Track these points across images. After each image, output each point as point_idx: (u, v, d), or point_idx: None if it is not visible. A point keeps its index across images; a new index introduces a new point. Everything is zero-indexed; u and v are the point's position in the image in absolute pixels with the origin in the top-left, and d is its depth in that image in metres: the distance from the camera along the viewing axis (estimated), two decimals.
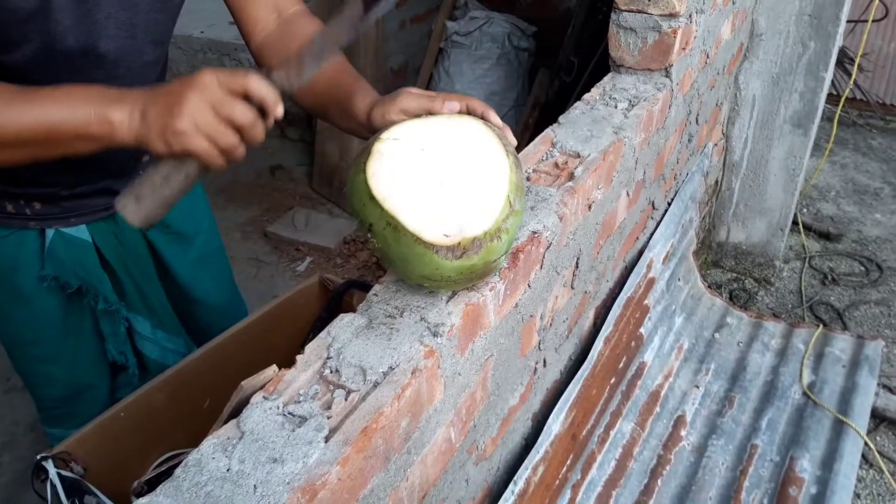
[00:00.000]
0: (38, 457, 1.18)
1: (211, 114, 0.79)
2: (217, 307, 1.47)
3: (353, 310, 0.85)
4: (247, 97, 0.81)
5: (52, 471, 1.18)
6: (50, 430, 1.40)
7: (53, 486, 1.18)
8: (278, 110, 0.83)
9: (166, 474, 1.18)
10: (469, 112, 0.87)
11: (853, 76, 2.66)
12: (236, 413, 0.73)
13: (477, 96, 3.49)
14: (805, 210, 2.96)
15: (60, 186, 1.15)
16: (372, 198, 0.74)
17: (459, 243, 0.74)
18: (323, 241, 3.01)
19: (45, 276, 1.19)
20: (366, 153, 0.77)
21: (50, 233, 1.17)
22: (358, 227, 0.80)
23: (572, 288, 1.19)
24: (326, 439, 0.68)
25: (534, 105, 3.31)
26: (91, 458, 1.26)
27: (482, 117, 0.86)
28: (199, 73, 0.81)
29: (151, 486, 1.17)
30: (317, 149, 3.52)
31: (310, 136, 3.80)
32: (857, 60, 2.62)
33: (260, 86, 0.81)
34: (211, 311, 1.46)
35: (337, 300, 1.60)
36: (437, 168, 0.77)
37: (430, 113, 0.86)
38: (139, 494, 1.14)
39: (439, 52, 3.67)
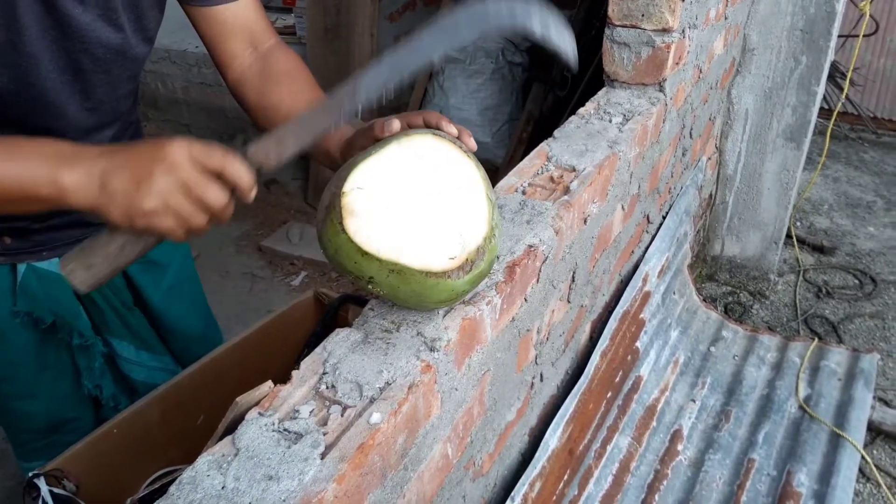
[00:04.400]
0: (30, 474, 1.17)
1: (181, 194, 0.74)
2: (191, 335, 1.45)
3: (348, 324, 0.85)
4: (220, 176, 0.77)
5: (44, 488, 1.16)
6: (26, 465, 1.35)
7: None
8: (250, 195, 0.79)
9: (160, 492, 1.17)
10: (426, 124, 0.86)
11: (845, 90, 2.68)
12: (231, 429, 0.73)
13: (471, 111, 3.51)
14: (798, 223, 2.98)
15: (31, 220, 1.10)
16: (364, 254, 0.73)
17: (467, 259, 0.75)
18: (318, 256, 3.01)
19: (18, 311, 1.15)
20: (335, 211, 0.74)
21: (21, 268, 1.13)
22: (351, 281, 0.79)
23: (569, 302, 1.19)
24: (322, 456, 0.68)
25: (528, 119, 3.32)
26: (83, 474, 1.24)
27: (437, 127, 0.85)
28: (170, 144, 0.75)
29: (144, 503, 1.16)
30: (312, 163, 3.52)
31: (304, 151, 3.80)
32: (850, 75, 2.64)
33: (237, 169, 0.77)
34: (185, 339, 1.44)
35: (332, 315, 1.59)
36: (413, 198, 0.76)
37: (375, 139, 0.85)
38: None
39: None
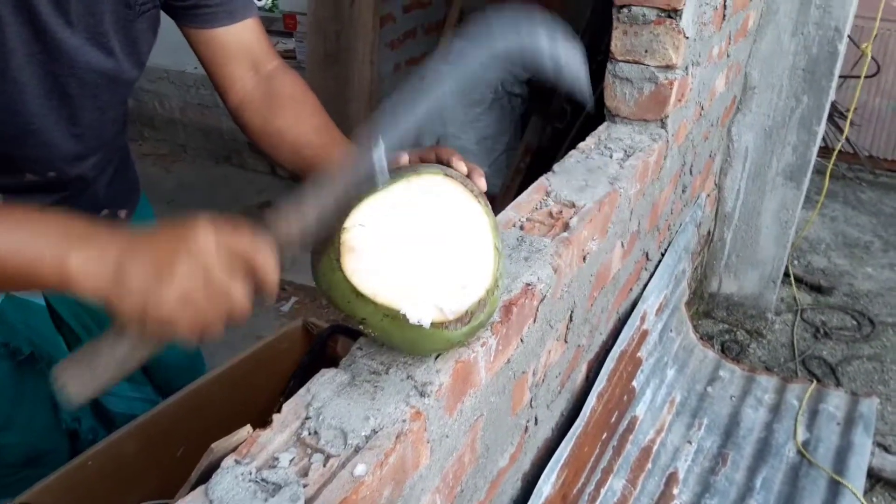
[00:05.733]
0: None
1: (203, 287, 0.64)
2: (172, 363, 1.40)
3: (337, 356, 0.81)
4: (247, 266, 0.67)
5: None
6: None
7: None
8: (272, 296, 0.70)
9: None
10: (438, 159, 0.83)
11: (846, 131, 2.68)
12: (206, 478, 0.68)
13: (469, 139, 3.49)
14: (796, 262, 2.95)
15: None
16: (359, 295, 0.69)
17: (467, 311, 0.72)
18: (308, 281, 2.95)
19: None
20: (333, 246, 0.70)
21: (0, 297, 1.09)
22: (343, 317, 0.76)
23: (566, 342, 1.15)
24: None
25: (526, 150, 3.31)
26: None
27: (449, 164, 0.82)
28: (195, 227, 0.65)
29: None
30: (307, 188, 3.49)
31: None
32: (850, 116, 2.64)
33: (267, 264, 0.68)
34: (167, 368, 1.39)
35: (321, 346, 1.54)
36: (417, 242, 0.72)
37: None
38: None
39: None
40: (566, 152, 1.31)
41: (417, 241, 0.72)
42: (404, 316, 0.69)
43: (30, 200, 0.98)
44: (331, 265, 0.71)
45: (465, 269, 0.72)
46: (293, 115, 1.00)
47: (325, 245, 0.72)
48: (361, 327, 0.73)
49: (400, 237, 0.72)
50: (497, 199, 3.41)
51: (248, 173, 3.96)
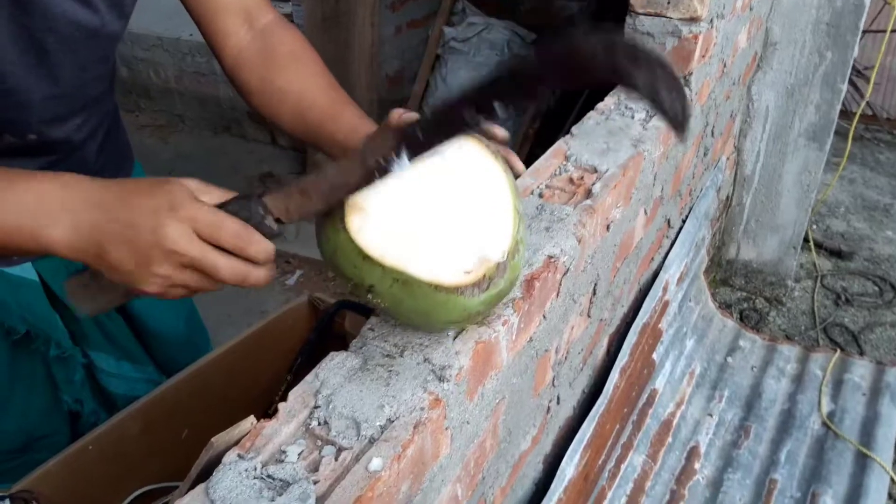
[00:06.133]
0: None
1: (188, 271, 0.64)
2: (175, 341, 1.34)
3: (344, 332, 0.74)
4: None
5: None
6: None
7: None
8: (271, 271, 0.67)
9: None
10: None
11: (869, 90, 2.57)
12: (206, 475, 0.62)
13: None
14: (815, 227, 2.87)
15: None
16: (366, 257, 0.63)
17: (484, 275, 0.64)
18: (315, 254, 2.89)
19: None
20: (339, 209, 0.65)
21: None
22: (349, 288, 0.70)
23: (588, 316, 1.08)
24: None
25: (535, 115, 3.21)
26: (56, 495, 1.14)
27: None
28: (170, 216, 0.62)
29: None
30: (309, 157, 3.41)
31: (301, 143, 3.69)
32: (873, 75, 2.53)
33: (256, 249, 0.64)
34: (168, 345, 1.33)
35: (328, 322, 1.48)
36: (429, 200, 0.66)
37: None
38: None
39: (436, 58, 3.57)
40: (578, 117, 1.22)
41: (430, 199, 0.66)
42: (416, 280, 0.62)
43: (13, 165, 0.91)
44: (334, 226, 0.64)
45: (482, 230, 0.66)
46: (294, 74, 0.92)
47: (331, 210, 0.66)
48: (370, 297, 0.66)
49: (410, 195, 0.66)
50: None
51: (248, 143, 3.87)
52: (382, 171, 0.65)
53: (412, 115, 0.75)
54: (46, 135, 0.92)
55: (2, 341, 1.09)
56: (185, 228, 0.62)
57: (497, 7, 3.53)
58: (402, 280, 0.62)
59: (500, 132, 0.76)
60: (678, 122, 0.62)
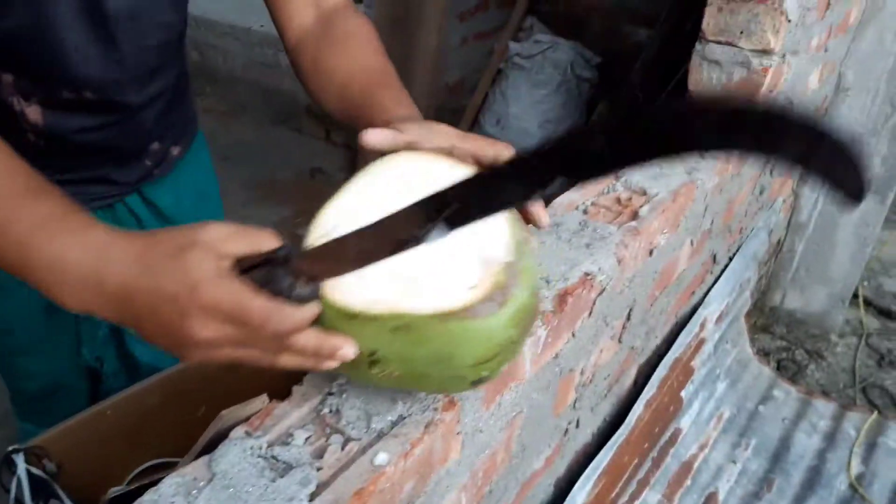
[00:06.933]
0: (9, 448, 1.08)
1: (229, 349, 0.55)
2: None
3: None
4: None
5: (21, 466, 1.07)
6: (21, 424, 1.30)
7: (20, 483, 1.07)
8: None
9: (145, 487, 1.06)
10: (479, 157, 0.64)
11: None
12: (213, 447, 0.61)
13: (531, 122, 3.35)
14: (866, 283, 2.76)
15: (53, 170, 1.00)
16: (353, 317, 0.52)
17: (495, 282, 0.53)
18: None
19: None
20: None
21: None
22: (351, 375, 0.62)
23: (620, 342, 1.05)
24: (311, 497, 0.56)
25: None
26: (67, 456, 1.15)
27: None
28: (192, 296, 0.53)
29: (126, 498, 1.06)
30: (360, 156, 3.43)
31: (354, 141, 3.71)
32: None
33: (287, 323, 0.52)
34: None
35: None
36: None
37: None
38: None
39: (498, 72, 3.56)
40: None
41: None
42: (418, 318, 0.51)
43: (72, 120, 0.93)
44: None
45: (472, 238, 0.54)
46: (346, 55, 0.88)
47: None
48: (377, 371, 0.55)
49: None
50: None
51: (302, 137, 3.92)
52: (417, 242, 0.51)
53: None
54: (103, 95, 0.93)
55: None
56: (208, 320, 0.53)
57: (565, 27, 3.51)
58: (403, 326, 0.52)
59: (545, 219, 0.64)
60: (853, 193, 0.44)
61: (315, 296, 0.54)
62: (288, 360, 0.55)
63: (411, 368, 0.54)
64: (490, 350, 0.54)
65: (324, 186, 3.46)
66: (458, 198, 0.50)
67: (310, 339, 0.53)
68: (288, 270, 0.54)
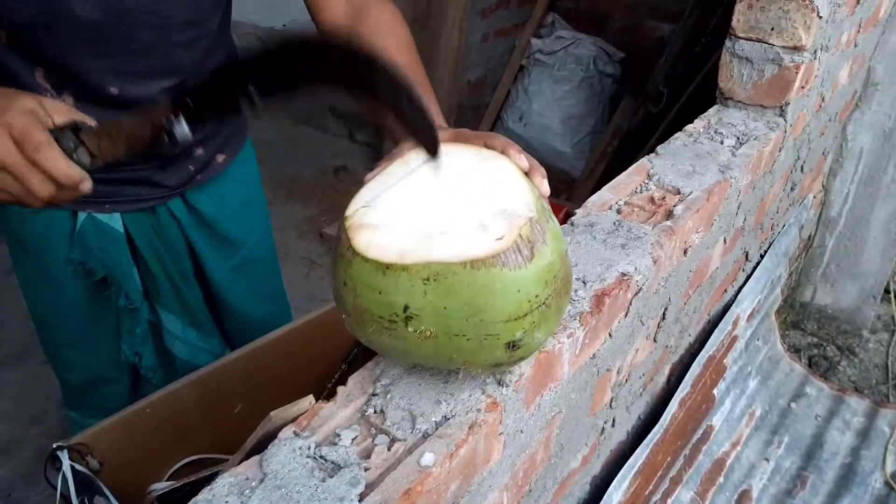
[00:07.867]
0: (54, 445, 1.11)
1: (9, 178, 0.71)
2: (252, 319, 1.36)
3: None
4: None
5: (66, 463, 1.10)
6: (70, 412, 1.33)
7: (65, 479, 1.10)
8: (82, 188, 0.74)
9: (180, 489, 1.08)
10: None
11: None
12: (262, 447, 0.63)
13: (553, 118, 3.35)
14: None
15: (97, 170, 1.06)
16: (388, 268, 0.55)
17: (520, 235, 0.55)
18: None
19: (72, 260, 1.11)
20: (341, 242, 0.60)
21: (82, 216, 1.09)
22: (388, 342, 0.60)
23: (655, 341, 1.05)
24: (361, 497, 0.57)
25: (614, 133, 3.16)
26: (110, 452, 1.18)
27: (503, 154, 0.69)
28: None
29: (163, 501, 1.08)
30: (385, 154, 3.44)
31: (378, 140, 3.73)
32: None
33: (56, 170, 0.71)
34: (245, 323, 1.36)
35: None
36: (435, 192, 0.61)
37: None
38: None
39: (520, 68, 3.56)
40: (661, 139, 1.19)
41: (436, 191, 0.61)
42: (448, 266, 0.54)
43: (104, 116, 0.95)
44: (345, 260, 0.58)
45: (498, 197, 0.59)
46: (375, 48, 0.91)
47: (335, 252, 0.61)
48: (411, 330, 0.56)
49: (414, 195, 0.61)
50: (578, 183, 3.29)
51: (326, 136, 3.94)
52: (167, 131, 0.74)
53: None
54: (127, 91, 0.95)
55: (83, 281, 1.15)
56: (2, 131, 0.68)
57: (587, 23, 3.50)
58: (434, 276, 0.54)
59: (536, 171, 0.69)
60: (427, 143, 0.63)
61: (89, 169, 0.74)
62: (39, 185, 0.71)
63: (445, 326, 0.56)
64: (520, 306, 0.56)
65: (349, 185, 3.48)
66: (193, 96, 0.73)
67: (60, 165, 0.70)
68: (72, 139, 0.73)
